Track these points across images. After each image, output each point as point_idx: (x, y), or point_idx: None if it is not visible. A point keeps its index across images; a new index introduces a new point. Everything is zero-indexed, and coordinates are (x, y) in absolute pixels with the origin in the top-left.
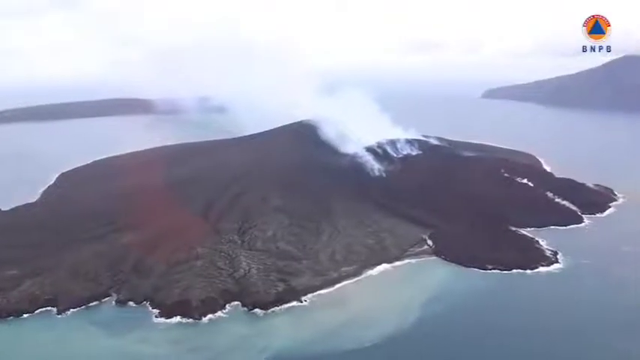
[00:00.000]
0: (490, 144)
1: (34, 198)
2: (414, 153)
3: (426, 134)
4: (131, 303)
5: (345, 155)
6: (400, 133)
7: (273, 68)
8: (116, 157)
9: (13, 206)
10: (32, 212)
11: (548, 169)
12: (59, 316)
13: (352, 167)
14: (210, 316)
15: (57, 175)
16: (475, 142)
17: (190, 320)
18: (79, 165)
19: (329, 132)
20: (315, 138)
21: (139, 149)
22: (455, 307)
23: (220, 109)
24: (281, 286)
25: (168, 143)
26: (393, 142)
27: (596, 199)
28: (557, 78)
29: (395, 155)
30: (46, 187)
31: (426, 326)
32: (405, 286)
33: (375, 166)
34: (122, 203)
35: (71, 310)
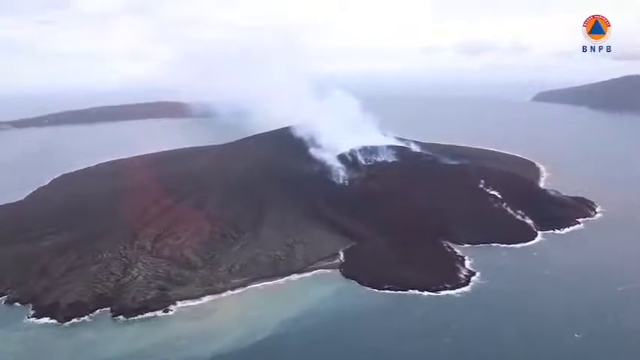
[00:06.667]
0: (496, 150)
1: (19, 198)
2: (389, 160)
3: (418, 140)
4: (17, 303)
5: (317, 162)
6: (385, 139)
7: (295, 71)
8: (115, 160)
9: None
10: None
11: (543, 178)
12: None
13: (317, 175)
14: (74, 320)
15: (54, 177)
16: (479, 147)
17: (55, 322)
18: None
19: (313, 138)
20: (295, 145)
21: (144, 152)
22: (313, 326)
23: (248, 114)
24: (152, 294)
25: (179, 146)
26: (368, 149)
27: (563, 215)
28: (612, 80)
29: (363, 163)
30: (36, 188)
31: (267, 345)
32: (278, 302)
33: (340, 174)
34: (76, 206)
35: None
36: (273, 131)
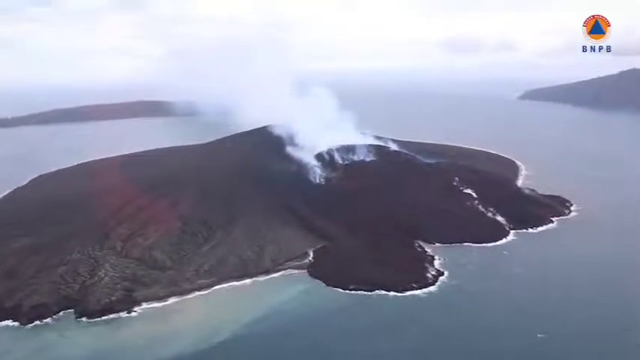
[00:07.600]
0: (477, 148)
1: None
2: (367, 159)
3: (401, 139)
4: None
5: (294, 162)
6: (363, 138)
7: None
8: (93, 161)
9: None
10: None
11: (521, 176)
12: None
13: (294, 174)
14: (37, 322)
15: (32, 177)
16: (460, 145)
17: (17, 324)
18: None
19: (292, 136)
20: (273, 143)
21: (125, 152)
22: (275, 327)
23: (232, 112)
24: (117, 296)
25: (161, 146)
26: (345, 148)
27: (537, 213)
28: (598, 78)
29: (340, 162)
30: (14, 188)
31: (228, 346)
32: (243, 303)
33: (317, 173)
34: (50, 207)
35: None
36: (252, 130)
